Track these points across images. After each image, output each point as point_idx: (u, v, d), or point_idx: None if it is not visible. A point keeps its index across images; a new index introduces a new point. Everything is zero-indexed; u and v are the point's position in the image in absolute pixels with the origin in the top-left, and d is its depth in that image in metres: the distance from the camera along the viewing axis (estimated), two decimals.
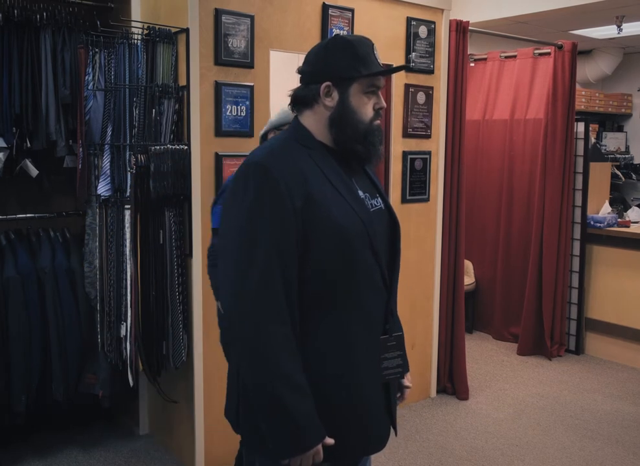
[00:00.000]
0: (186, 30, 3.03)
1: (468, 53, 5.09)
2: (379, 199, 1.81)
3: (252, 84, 3.20)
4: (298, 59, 1.73)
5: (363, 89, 1.70)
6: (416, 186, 4.01)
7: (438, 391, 4.39)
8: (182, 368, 3.22)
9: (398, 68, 1.85)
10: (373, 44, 1.75)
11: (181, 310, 3.14)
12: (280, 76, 3.61)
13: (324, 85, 1.69)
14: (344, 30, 3.50)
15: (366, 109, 1.71)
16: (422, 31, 3.91)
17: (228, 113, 3.13)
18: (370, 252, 1.68)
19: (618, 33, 6.27)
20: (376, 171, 3.92)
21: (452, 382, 4.39)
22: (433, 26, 3.96)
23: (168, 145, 3.03)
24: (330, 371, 1.64)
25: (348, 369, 1.66)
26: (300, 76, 1.76)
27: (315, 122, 1.72)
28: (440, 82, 4.08)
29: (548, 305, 5.19)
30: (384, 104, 1.76)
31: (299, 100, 1.74)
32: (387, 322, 1.75)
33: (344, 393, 1.66)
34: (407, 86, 3.89)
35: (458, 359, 4.35)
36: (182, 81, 3.10)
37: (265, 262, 1.54)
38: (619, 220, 5.37)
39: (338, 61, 1.69)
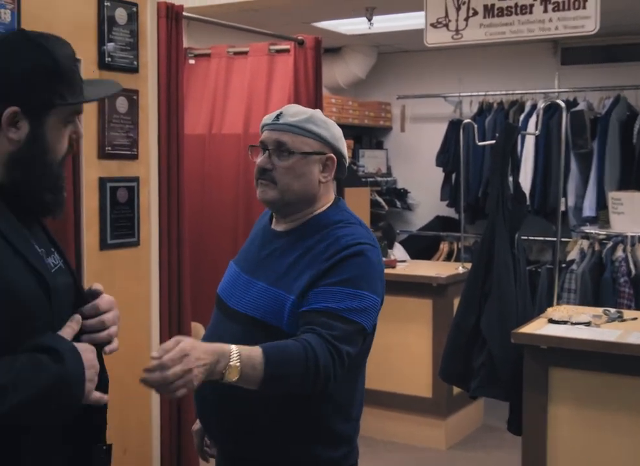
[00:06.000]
0: None
1: (185, 46, 5.12)
2: (56, 254, 1.72)
3: None
4: None
5: (63, 118, 1.61)
6: (121, 226, 3.91)
7: None
8: None
9: (112, 88, 1.86)
10: (72, 49, 1.66)
11: None
12: None
13: (9, 110, 1.54)
14: (6, 9, 3.29)
15: (62, 145, 1.63)
16: (121, 15, 3.84)
17: None
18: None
19: (370, 27, 6.71)
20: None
21: None
22: (134, 9, 3.91)
23: None
24: None
25: None
26: None
27: None
28: (148, 84, 4.03)
29: None
30: (82, 132, 1.69)
31: None
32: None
33: None
34: None
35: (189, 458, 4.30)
36: None
37: None
38: (384, 259, 5.66)
39: (32, 79, 1.55)
